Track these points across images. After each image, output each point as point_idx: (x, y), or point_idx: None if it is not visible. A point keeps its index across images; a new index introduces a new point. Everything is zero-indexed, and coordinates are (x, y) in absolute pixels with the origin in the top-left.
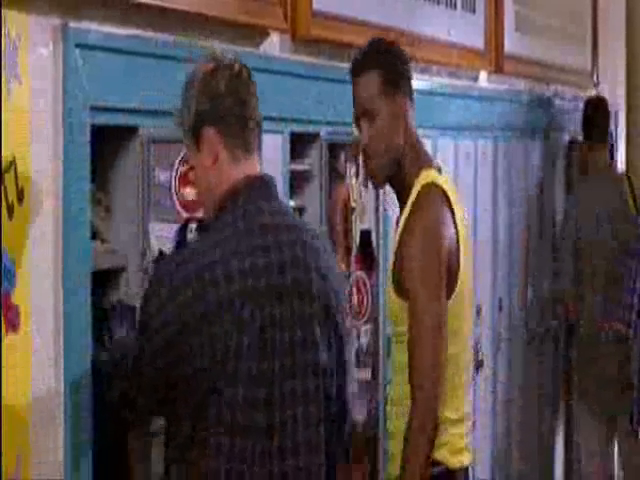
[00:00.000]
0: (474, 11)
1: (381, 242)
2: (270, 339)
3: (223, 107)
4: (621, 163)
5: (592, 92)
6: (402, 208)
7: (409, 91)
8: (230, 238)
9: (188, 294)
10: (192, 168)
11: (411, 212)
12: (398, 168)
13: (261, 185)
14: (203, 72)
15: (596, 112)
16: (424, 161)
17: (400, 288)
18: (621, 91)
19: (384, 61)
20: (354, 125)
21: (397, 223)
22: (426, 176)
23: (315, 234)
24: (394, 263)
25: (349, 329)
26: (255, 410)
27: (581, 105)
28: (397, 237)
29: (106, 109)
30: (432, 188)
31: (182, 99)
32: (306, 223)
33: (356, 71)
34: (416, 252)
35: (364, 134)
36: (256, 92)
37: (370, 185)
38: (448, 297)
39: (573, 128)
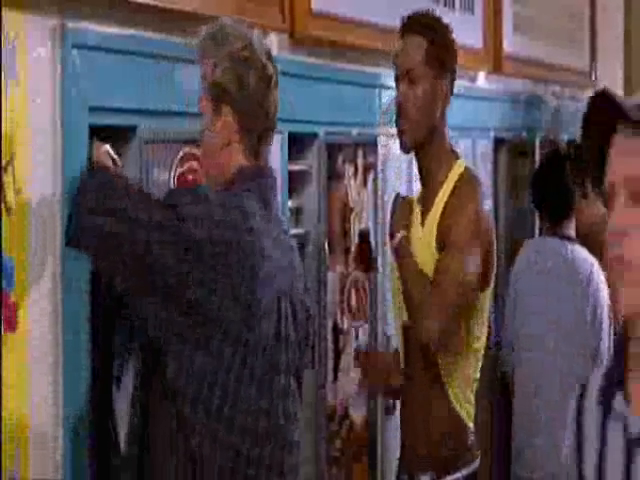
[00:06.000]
0: (473, 11)
1: (379, 242)
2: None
3: (248, 103)
4: None
5: (590, 92)
6: (426, 185)
7: (451, 83)
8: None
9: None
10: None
11: (458, 190)
12: (430, 141)
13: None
14: (237, 47)
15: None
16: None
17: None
18: (619, 91)
19: (433, 34)
20: (395, 85)
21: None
22: (462, 163)
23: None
24: (437, 235)
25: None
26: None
27: (579, 106)
28: (441, 205)
29: (104, 109)
30: (476, 177)
31: (209, 46)
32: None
33: (405, 30)
34: (468, 227)
35: (402, 92)
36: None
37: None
38: (481, 290)
39: (572, 128)
